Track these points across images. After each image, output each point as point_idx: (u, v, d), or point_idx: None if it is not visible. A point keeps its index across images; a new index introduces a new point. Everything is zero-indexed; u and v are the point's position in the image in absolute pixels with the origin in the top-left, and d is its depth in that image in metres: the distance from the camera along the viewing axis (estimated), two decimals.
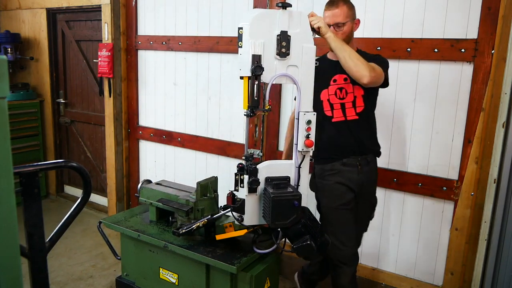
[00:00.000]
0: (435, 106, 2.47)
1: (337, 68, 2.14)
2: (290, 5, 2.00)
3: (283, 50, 1.98)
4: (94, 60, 4.04)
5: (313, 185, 2.33)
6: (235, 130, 3.26)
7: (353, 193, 2.22)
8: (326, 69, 2.18)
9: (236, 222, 2.19)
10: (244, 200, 2.05)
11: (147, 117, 3.81)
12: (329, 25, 2.11)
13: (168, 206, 2.54)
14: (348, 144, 2.19)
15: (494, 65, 2.22)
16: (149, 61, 3.70)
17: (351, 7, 2.15)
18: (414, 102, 2.52)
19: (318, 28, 2.01)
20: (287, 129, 2.59)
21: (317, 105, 2.22)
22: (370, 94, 2.18)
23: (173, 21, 3.48)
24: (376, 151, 2.30)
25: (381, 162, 2.46)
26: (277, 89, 2.97)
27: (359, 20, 2.20)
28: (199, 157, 3.49)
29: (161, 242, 2.41)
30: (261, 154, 2.13)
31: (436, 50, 2.40)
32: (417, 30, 2.46)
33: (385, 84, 2.16)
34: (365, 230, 2.43)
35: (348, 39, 2.15)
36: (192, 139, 3.49)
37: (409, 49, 2.46)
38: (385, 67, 2.11)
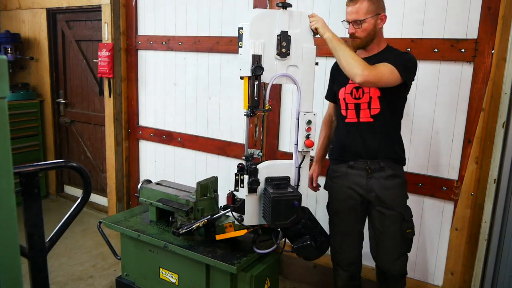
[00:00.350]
0: (435, 106, 2.47)
1: None
2: (290, 5, 2.00)
3: (283, 50, 1.98)
4: (94, 60, 4.04)
5: (326, 185, 2.35)
6: (235, 130, 3.25)
7: (361, 198, 2.14)
8: None
9: (236, 222, 2.19)
10: (244, 200, 2.05)
11: (147, 117, 3.81)
12: (349, 22, 2.04)
13: (168, 206, 2.54)
14: (356, 147, 2.11)
15: (494, 65, 2.22)
16: (149, 61, 3.70)
17: (374, 1, 2.01)
18: (414, 102, 2.52)
19: (316, 29, 1.98)
20: (321, 129, 2.44)
21: (337, 103, 2.21)
22: (388, 95, 2.04)
23: (173, 21, 3.48)
24: (394, 158, 2.12)
25: None
26: (277, 89, 2.97)
27: (385, 15, 2.05)
28: (199, 157, 3.49)
29: (161, 242, 2.41)
30: (261, 154, 2.13)
31: (436, 50, 2.40)
32: (417, 30, 2.46)
33: (404, 86, 2.02)
34: (406, 249, 2.16)
35: (370, 37, 2.03)
36: (192, 139, 3.49)
37: (409, 49, 2.46)
38: (403, 68, 1.96)
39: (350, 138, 2.14)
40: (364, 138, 2.10)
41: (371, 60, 2.01)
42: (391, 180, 2.10)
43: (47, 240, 1.43)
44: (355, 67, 1.89)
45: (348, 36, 2.10)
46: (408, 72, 1.99)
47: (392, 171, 2.11)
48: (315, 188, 2.44)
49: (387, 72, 1.94)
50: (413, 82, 2.24)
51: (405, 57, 2.04)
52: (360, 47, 2.10)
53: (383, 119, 2.07)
